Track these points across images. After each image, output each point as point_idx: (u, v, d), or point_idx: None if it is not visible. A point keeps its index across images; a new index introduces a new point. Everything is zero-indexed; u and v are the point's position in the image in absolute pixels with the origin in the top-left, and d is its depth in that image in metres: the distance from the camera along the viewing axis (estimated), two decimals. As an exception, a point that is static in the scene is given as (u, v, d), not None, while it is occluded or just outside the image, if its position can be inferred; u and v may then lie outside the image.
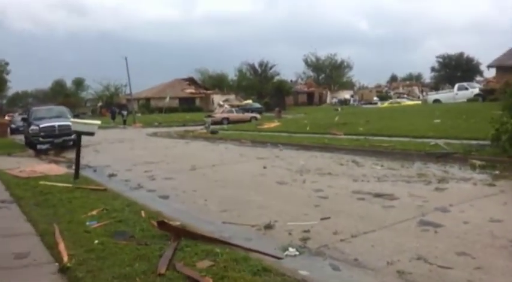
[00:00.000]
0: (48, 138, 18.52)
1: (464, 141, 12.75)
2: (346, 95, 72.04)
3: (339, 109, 42.03)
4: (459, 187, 7.75)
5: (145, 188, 8.96)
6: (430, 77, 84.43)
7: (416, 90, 74.91)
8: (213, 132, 24.39)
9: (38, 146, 18.71)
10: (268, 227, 5.67)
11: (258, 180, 9.32)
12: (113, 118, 46.61)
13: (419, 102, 45.65)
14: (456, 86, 35.64)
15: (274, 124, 27.44)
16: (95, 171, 11.77)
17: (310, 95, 73.91)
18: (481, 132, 13.85)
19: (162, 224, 5.01)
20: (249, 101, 57.11)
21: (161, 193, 8.34)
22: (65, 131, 18.03)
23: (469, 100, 30.87)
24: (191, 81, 72.89)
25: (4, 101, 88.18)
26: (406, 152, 12.22)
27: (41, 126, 18.46)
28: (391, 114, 25.15)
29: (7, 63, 49.02)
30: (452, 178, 8.50)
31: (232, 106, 49.09)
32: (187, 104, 63.78)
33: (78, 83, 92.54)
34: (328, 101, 70.37)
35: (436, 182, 8.14)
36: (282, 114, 41.64)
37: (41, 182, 8.81)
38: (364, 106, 49.54)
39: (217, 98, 63.54)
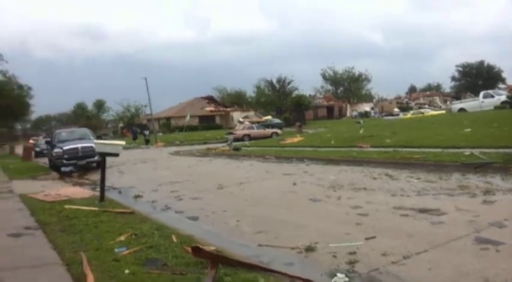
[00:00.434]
0: (72, 160, 18.44)
1: (501, 150, 12.14)
2: (366, 107, 71.46)
3: (361, 122, 41.43)
4: (509, 199, 7.19)
5: (173, 209, 8.62)
6: (450, 86, 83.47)
7: (437, 100, 73.97)
8: (236, 149, 24.07)
9: (62, 169, 18.64)
10: (310, 249, 5.24)
11: (289, 198, 8.89)
12: (135, 138, 46.74)
13: (443, 111, 44.68)
14: (481, 93, 34.62)
15: (297, 139, 27.02)
16: (120, 192, 11.51)
17: (329, 109, 73.41)
18: (516, 140, 13.29)
19: (197, 251, 4.61)
20: (269, 117, 56.87)
21: (190, 214, 7.98)
22: (88, 152, 17.99)
23: (496, 108, 29.95)
24: (210, 99, 73.29)
25: (28, 125, 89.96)
26: (440, 163, 11.63)
27: (65, 148, 18.43)
28: (417, 125, 24.48)
29: (30, 88, 50.04)
30: (498, 190, 7.93)
31: (252, 122, 48.86)
32: (207, 122, 64.03)
33: (99, 105, 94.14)
34: (348, 114, 69.77)
35: (481, 194, 7.58)
36: (303, 128, 41.23)
37: (67, 206, 8.55)
38: (386, 118, 48.84)
39: (237, 115, 63.55)
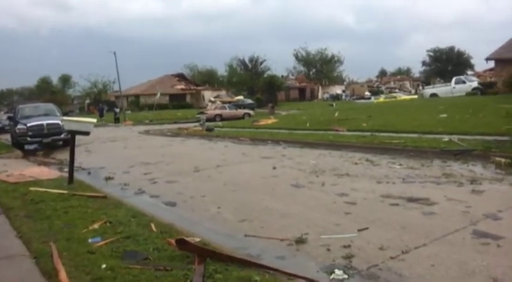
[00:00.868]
0: (37, 138, 17.54)
1: (478, 137, 12.15)
2: (337, 90, 71.48)
3: (334, 104, 41.37)
4: (497, 189, 7.04)
5: (148, 194, 8.14)
6: (420, 71, 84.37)
7: (407, 84, 74.80)
8: (209, 129, 23.54)
9: (26, 147, 17.73)
10: (300, 241, 4.91)
11: (270, 183, 8.52)
12: (101, 116, 45.36)
13: (416, 96, 45.12)
14: (453, 79, 34.88)
15: (271, 120, 26.70)
16: (89, 173, 10.90)
17: (301, 91, 73.10)
18: (493, 127, 13.34)
19: (182, 243, 4.19)
20: (241, 97, 56.00)
21: (166, 199, 7.53)
22: (54, 129, 17.17)
23: (468, 94, 30.38)
24: (181, 77, 71.61)
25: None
26: (419, 149, 11.52)
27: (29, 125, 17.47)
28: (392, 109, 24.53)
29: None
30: (483, 178, 7.79)
31: (224, 102, 48.13)
32: (177, 101, 62.67)
33: (65, 80, 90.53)
34: (319, 96, 69.66)
35: (468, 183, 7.42)
36: (275, 110, 40.85)
37: (32, 188, 7.94)
38: (358, 101, 48.90)
39: (208, 94, 62.55)
